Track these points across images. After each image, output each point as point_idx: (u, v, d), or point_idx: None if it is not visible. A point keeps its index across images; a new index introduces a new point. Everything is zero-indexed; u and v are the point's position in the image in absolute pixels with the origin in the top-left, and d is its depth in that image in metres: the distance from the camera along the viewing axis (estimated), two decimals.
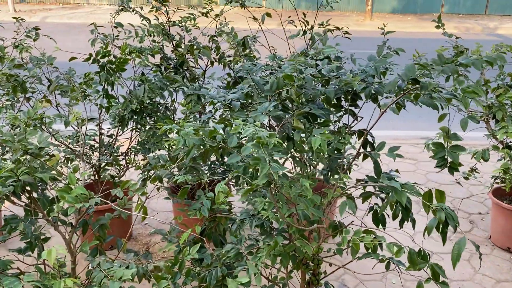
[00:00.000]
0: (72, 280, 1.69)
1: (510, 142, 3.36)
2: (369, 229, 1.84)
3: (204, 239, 2.28)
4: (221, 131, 1.61)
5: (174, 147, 2.08)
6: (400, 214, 1.84)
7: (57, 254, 1.63)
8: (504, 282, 3.09)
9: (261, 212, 1.85)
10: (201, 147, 1.65)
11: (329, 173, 2.03)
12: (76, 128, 2.86)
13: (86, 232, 2.17)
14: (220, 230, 2.22)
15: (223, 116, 1.97)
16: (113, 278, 1.69)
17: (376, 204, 2.06)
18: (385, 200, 1.64)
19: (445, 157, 1.63)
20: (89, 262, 1.84)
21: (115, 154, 3.24)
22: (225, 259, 1.95)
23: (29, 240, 1.89)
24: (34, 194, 2.04)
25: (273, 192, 1.79)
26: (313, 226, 1.65)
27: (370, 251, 1.84)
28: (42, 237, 2.02)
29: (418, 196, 1.46)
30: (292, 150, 1.92)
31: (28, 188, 1.95)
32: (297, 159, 2.04)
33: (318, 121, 1.77)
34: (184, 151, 2.07)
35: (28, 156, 1.93)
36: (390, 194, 1.48)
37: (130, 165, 3.22)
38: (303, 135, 1.68)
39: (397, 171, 2.25)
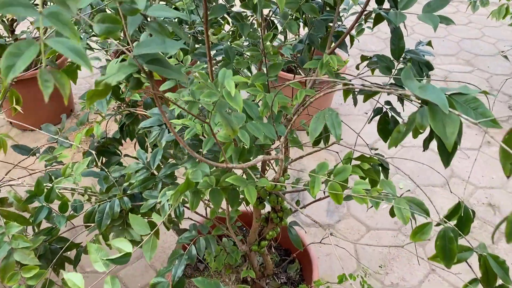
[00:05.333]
0: None
1: None
2: (366, 155, 1.03)
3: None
4: None
5: None
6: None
7: None
8: None
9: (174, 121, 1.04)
10: None
11: (310, 49, 1.14)
12: None
13: None
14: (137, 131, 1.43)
15: None
16: None
17: (388, 104, 1.21)
18: (409, 119, 0.79)
19: None
20: None
21: None
22: (128, 185, 1.19)
23: None
24: None
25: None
26: (252, 162, 0.83)
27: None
28: None
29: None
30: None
31: None
32: (257, 20, 1.14)
33: None
34: None
35: None
36: (419, 114, 0.63)
37: None
38: None
39: (429, 44, 1.37)
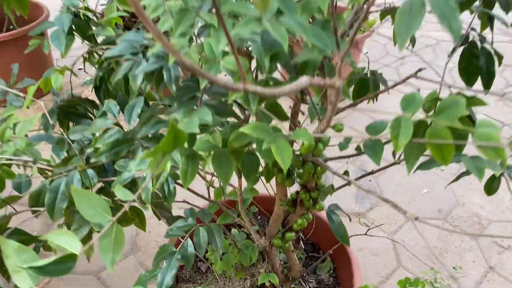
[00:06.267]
0: None
1: None
2: (462, 92, 0.65)
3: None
4: None
5: None
6: None
7: None
8: None
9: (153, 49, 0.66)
10: None
11: None
12: None
13: None
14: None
15: None
16: None
17: (475, 31, 0.83)
18: None
19: None
20: None
21: None
22: (94, 152, 0.82)
23: None
24: None
25: None
26: (291, 86, 0.46)
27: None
28: None
29: None
30: None
31: None
32: None
33: None
34: None
35: None
36: None
37: None
38: None
39: None
